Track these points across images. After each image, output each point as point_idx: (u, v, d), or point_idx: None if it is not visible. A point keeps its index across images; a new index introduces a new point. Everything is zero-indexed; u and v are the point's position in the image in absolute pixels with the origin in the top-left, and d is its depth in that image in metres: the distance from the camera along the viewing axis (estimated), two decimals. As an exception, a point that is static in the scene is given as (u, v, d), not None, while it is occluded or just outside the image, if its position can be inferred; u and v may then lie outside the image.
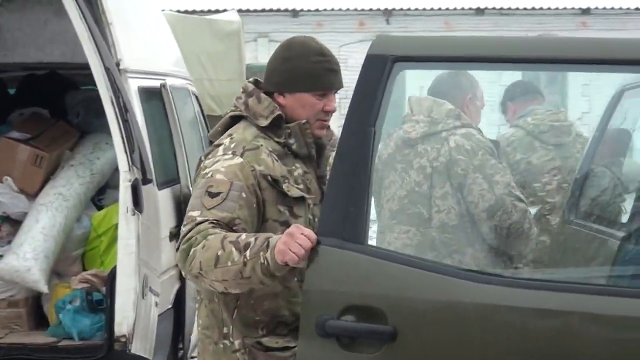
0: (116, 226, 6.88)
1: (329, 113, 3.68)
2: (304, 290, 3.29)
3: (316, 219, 3.61)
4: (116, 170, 7.24)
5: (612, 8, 26.97)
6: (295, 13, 26.62)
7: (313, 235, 3.21)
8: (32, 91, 7.71)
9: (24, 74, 7.82)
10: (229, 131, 3.67)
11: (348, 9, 26.47)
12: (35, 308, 6.88)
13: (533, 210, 5.15)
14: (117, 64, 6.03)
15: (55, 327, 6.54)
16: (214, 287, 3.39)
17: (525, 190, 6.07)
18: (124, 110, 5.78)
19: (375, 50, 3.30)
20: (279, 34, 26.73)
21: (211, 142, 3.82)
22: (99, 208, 7.20)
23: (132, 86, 6.24)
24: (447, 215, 5.01)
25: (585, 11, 27.10)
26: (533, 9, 26.73)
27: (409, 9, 26.54)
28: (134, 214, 5.76)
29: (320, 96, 3.65)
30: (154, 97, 6.73)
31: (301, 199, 3.60)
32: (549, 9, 26.81)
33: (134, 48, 6.60)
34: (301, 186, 3.61)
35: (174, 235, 6.61)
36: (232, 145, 3.56)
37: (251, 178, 3.49)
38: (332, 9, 26.47)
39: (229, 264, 3.28)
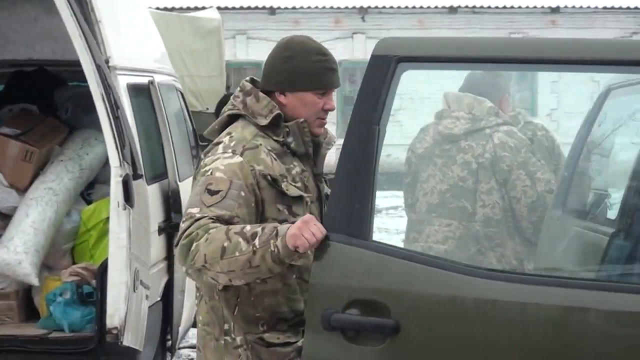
0: (105, 220, 6.86)
1: (328, 111, 3.65)
2: (310, 285, 3.30)
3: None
4: (105, 165, 7.22)
5: (581, 7, 27.13)
6: (272, 11, 26.61)
7: (324, 229, 3.23)
8: (21, 87, 7.65)
9: (12, 70, 7.76)
10: (227, 130, 3.63)
11: (324, 7, 26.49)
12: (25, 300, 6.83)
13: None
14: (107, 61, 5.98)
15: (46, 319, 6.50)
16: (216, 280, 3.34)
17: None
18: (114, 106, 5.74)
19: (379, 51, 3.31)
20: (256, 32, 26.75)
21: (207, 140, 3.79)
22: (88, 202, 7.16)
23: (121, 83, 6.20)
24: (491, 210, 5.07)
25: (555, 10, 27.24)
26: (504, 7, 26.86)
27: (384, 7, 26.59)
28: (125, 209, 5.71)
29: (320, 95, 3.62)
30: (142, 93, 6.68)
31: (299, 198, 3.58)
32: (519, 7, 26.94)
33: (123, 45, 6.56)
34: (299, 184, 3.59)
35: (162, 230, 6.59)
36: (232, 144, 3.53)
37: (250, 177, 3.46)
38: (309, 7, 26.47)
39: (237, 254, 3.26)
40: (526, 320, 3.01)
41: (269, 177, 3.50)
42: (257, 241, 3.26)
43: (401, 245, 5.55)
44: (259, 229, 3.29)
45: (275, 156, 3.55)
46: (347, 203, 3.26)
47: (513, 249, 5.02)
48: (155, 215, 6.46)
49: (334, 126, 22.40)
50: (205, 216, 3.34)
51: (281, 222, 3.47)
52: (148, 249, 6.11)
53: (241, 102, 3.63)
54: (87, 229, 6.92)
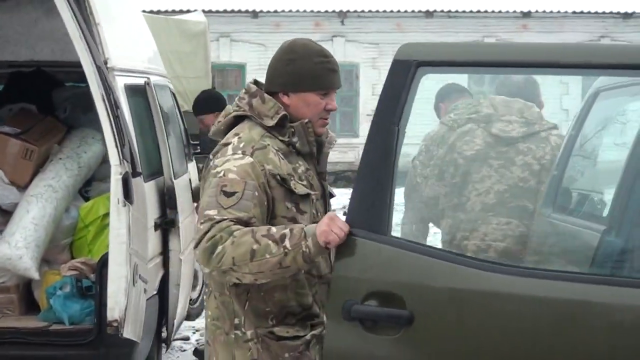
0: (103, 217, 6.86)
1: (330, 111, 3.65)
2: (332, 277, 3.38)
3: (319, 214, 3.61)
4: (102, 163, 7.22)
5: (551, 12, 27.23)
6: (255, 14, 26.57)
7: (347, 225, 3.30)
8: (19, 88, 7.63)
9: (10, 71, 7.73)
10: (234, 131, 3.61)
11: (305, 11, 26.49)
12: (26, 294, 6.83)
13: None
14: (105, 62, 5.94)
15: (46, 312, 6.49)
16: (241, 280, 3.36)
17: (445, 182, 6.15)
18: (114, 106, 5.72)
19: (400, 56, 3.37)
20: (239, 34, 26.72)
21: (212, 141, 3.79)
22: (86, 199, 7.16)
23: (119, 83, 6.16)
24: None
25: (526, 14, 27.33)
26: (478, 12, 26.92)
27: (362, 11, 26.60)
28: (124, 205, 5.69)
29: (322, 95, 3.62)
30: (138, 94, 6.65)
31: (307, 196, 3.59)
32: (492, 12, 27.02)
33: (120, 47, 6.53)
34: (305, 182, 3.59)
35: (158, 226, 6.56)
36: (241, 145, 3.51)
37: (261, 177, 3.46)
38: (290, 10, 26.46)
39: (267, 256, 3.28)
40: (529, 311, 3.05)
41: (278, 177, 3.50)
42: (287, 243, 3.29)
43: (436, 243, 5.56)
44: (287, 231, 3.32)
45: (282, 156, 3.55)
46: (368, 199, 3.32)
47: None
48: (152, 211, 6.43)
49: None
50: (225, 218, 3.34)
51: (290, 219, 3.50)
52: (146, 244, 6.10)
53: (247, 104, 3.62)
54: (85, 225, 6.91)
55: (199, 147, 8.39)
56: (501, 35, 27.38)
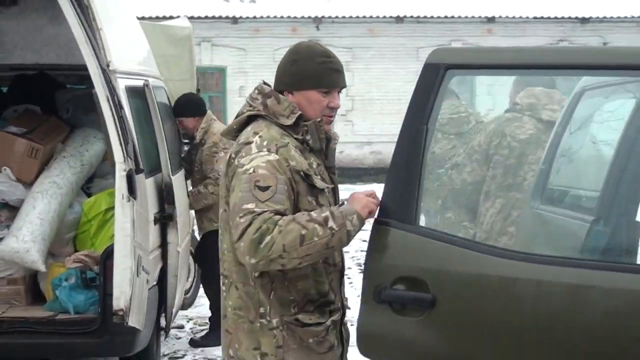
0: (104, 212, 6.86)
1: (334, 109, 3.63)
2: (365, 264, 3.49)
3: (331, 206, 3.60)
4: (103, 161, 7.21)
5: (514, 17, 27.32)
6: (235, 20, 26.50)
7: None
8: (24, 90, 7.61)
9: (14, 74, 7.69)
10: (252, 130, 3.57)
11: (282, 17, 26.45)
12: (32, 285, 6.82)
13: None
14: (107, 65, 5.92)
15: (52, 302, 6.48)
16: (286, 265, 3.35)
17: (431, 176, 6.29)
18: (118, 107, 5.71)
19: (431, 59, 3.47)
20: (220, 39, 26.65)
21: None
22: (88, 195, 7.16)
23: (120, 85, 6.15)
24: None
25: (491, 19, 27.40)
26: (445, 17, 26.97)
27: (336, 17, 26.59)
28: (129, 201, 5.68)
29: (325, 93, 3.60)
30: (138, 95, 6.64)
31: (323, 190, 3.60)
32: (459, 17, 27.06)
33: (120, 51, 6.50)
34: (319, 177, 3.60)
35: (157, 220, 6.56)
36: (265, 143, 3.49)
37: (288, 172, 3.45)
38: (268, 16, 26.41)
39: (315, 239, 3.30)
40: (539, 295, 3.10)
41: (302, 173, 3.50)
42: (332, 224, 3.33)
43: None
44: (328, 214, 3.36)
45: (300, 152, 3.55)
46: (398, 192, 3.40)
47: None
48: (152, 206, 6.44)
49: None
50: (266, 210, 3.32)
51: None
52: (147, 237, 6.10)
53: (261, 104, 3.60)
54: (88, 219, 6.91)
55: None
56: (467, 39, 27.45)
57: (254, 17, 26.47)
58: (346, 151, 25.36)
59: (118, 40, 6.63)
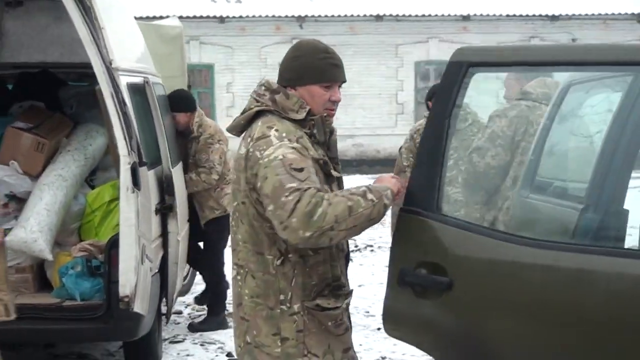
0: (108, 203, 6.86)
1: (335, 103, 3.62)
2: (391, 249, 3.59)
3: None
4: (105, 154, 7.20)
5: (487, 15, 27.37)
6: (222, 19, 26.46)
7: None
8: (28, 87, 7.59)
9: (18, 72, 7.67)
10: (265, 124, 3.53)
11: (267, 16, 26.43)
12: (39, 273, 6.81)
13: None
14: (110, 63, 5.91)
15: (59, 290, 6.48)
16: (333, 239, 3.32)
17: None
18: (122, 103, 5.71)
19: (454, 58, 3.53)
20: (208, 37, 26.60)
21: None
22: (92, 187, 7.15)
23: (123, 82, 6.14)
24: None
25: (466, 17, 27.45)
26: (423, 15, 27.01)
27: (319, 16, 26.58)
28: (133, 192, 5.69)
29: (326, 88, 3.59)
30: (138, 91, 6.64)
31: (335, 178, 3.61)
32: (436, 15, 27.11)
33: (121, 49, 6.49)
34: (331, 167, 3.61)
35: (158, 210, 6.56)
36: (284, 134, 3.46)
37: (310, 160, 3.45)
38: (254, 16, 26.39)
39: (360, 210, 3.31)
40: (544, 279, 3.14)
41: (321, 161, 3.51)
42: (371, 197, 3.36)
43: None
44: (365, 188, 3.40)
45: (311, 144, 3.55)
46: (422, 181, 3.47)
47: None
48: (153, 197, 6.43)
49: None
50: (310, 187, 3.31)
51: None
52: (150, 227, 6.10)
53: (269, 100, 3.56)
54: (92, 210, 6.91)
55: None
56: (443, 36, 27.51)
57: (240, 17, 26.44)
58: None
59: (118, 39, 6.61)
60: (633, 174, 3.57)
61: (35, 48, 7.00)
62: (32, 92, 7.54)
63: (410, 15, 26.99)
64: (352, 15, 26.68)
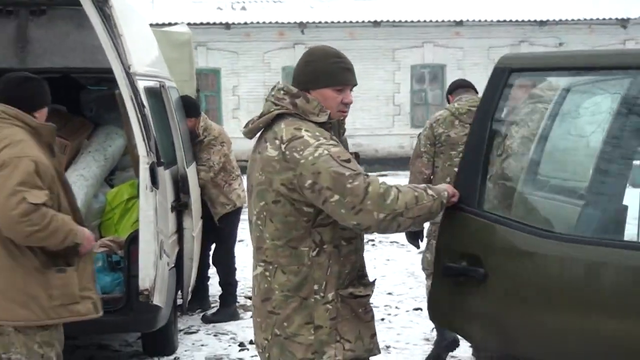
0: (126, 201, 6.84)
1: (347, 105, 3.58)
2: (437, 242, 3.70)
3: None
4: (124, 155, 7.19)
5: (479, 20, 27.38)
6: (227, 26, 26.47)
7: None
8: (50, 91, 7.55)
9: (41, 77, 7.64)
10: (291, 126, 3.46)
11: (270, 22, 26.44)
12: (60, 268, 6.77)
13: None
14: (129, 68, 5.90)
15: (81, 284, 6.44)
16: (400, 225, 3.33)
17: (443, 156, 6.51)
18: (141, 106, 5.69)
19: (499, 64, 3.60)
20: (214, 43, 26.59)
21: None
22: (111, 186, 7.14)
23: (140, 86, 6.13)
24: None
25: (459, 23, 27.46)
26: (418, 21, 27.05)
27: (320, 22, 26.58)
28: (152, 191, 5.67)
29: (338, 91, 3.54)
30: (155, 95, 6.63)
31: None
32: (430, 21, 27.13)
33: (138, 55, 6.47)
34: None
35: (174, 208, 6.55)
36: (317, 134, 3.42)
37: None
38: (258, 22, 26.40)
39: (424, 201, 3.34)
40: (561, 269, 3.24)
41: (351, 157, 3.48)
42: (431, 192, 3.38)
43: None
44: (424, 185, 3.44)
45: None
46: (466, 179, 3.54)
47: None
48: (169, 196, 6.42)
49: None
50: (367, 174, 3.32)
51: None
52: (167, 224, 6.09)
53: (290, 103, 3.51)
54: (112, 208, 6.90)
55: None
56: (438, 41, 27.54)
57: (245, 23, 26.44)
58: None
59: (136, 45, 6.60)
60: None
61: (58, 54, 6.97)
62: (54, 96, 7.51)
63: (406, 21, 27.01)
64: (351, 22, 26.68)
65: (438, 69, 27.89)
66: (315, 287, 3.45)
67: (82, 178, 6.70)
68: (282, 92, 3.55)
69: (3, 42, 7.04)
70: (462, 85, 6.76)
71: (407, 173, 6.84)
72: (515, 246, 3.37)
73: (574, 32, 27.94)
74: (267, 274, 3.51)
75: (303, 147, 3.37)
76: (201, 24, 25.69)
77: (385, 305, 8.49)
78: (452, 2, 27.63)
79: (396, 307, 8.47)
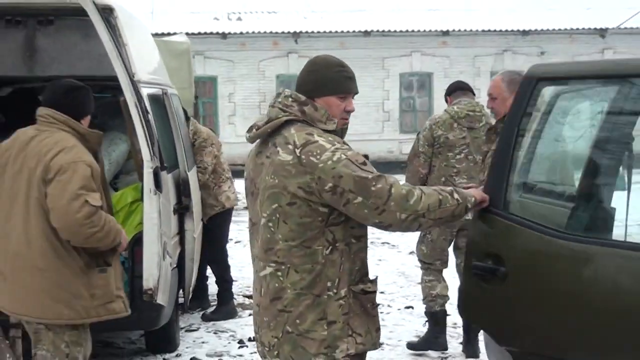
0: (130, 204, 6.78)
1: (349, 112, 3.56)
2: (467, 242, 3.84)
3: None
4: (128, 159, 7.15)
5: (465, 30, 27.46)
6: (224, 35, 26.47)
7: None
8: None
9: (45, 84, 7.61)
10: (303, 131, 3.42)
11: (265, 32, 26.47)
12: (68, 269, 6.74)
13: None
14: (133, 76, 5.87)
15: (87, 284, 6.41)
16: (422, 226, 3.36)
17: (440, 157, 6.54)
18: (145, 112, 5.67)
19: (528, 74, 3.64)
20: (211, 52, 26.58)
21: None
22: (115, 190, 7.09)
23: (144, 93, 6.10)
24: None
25: (445, 33, 27.54)
26: (407, 31, 27.10)
27: (312, 32, 26.61)
28: (155, 194, 5.65)
29: (341, 99, 3.52)
30: (158, 102, 6.60)
31: None
32: (418, 31, 27.20)
33: (141, 63, 6.45)
34: None
35: (176, 210, 6.52)
36: (330, 139, 3.40)
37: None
38: (253, 32, 26.42)
39: (448, 205, 3.34)
40: (575, 268, 3.30)
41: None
42: (457, 196, 3.39)
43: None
44: (450, 189, 3.43)
45: None
46: (494, 183, 3.59)
47: None
48: (172, 198, 6.40)
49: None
50: (385, 175, 3.32)
51: None
52: (170, 226, 6.07)
53: (298, 110, 3.47)
54: (116, 210, 6.78)
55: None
56: (425, 50, 27.60)
57: (241, 33, 26.45)
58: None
59: (139, 54, 6.57)
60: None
61: (65, 63, 6.93)
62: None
63: (395, 31, 27.06)
64: (342, 32, 26.73)
65: (425, 77, 27.93)
66: (329, 284, 3.42)
67: (87, 182, 6.65)
68: (290, 99, 3.51)
69: (12, 51, 7.00)
70: (461, 88, 6.77)
71: (396, 176, 6.84)
72: (533, 247, 3.43)
73: (555, 42, 28.02)
74: (279, 274, 3.45)
75: (320, 151, 3.34)
76: (199, 33, 25.69)
77: (378, 304, 8.48)
78: (439, 13, 27.71)
79: (388, 306, 8.46)
